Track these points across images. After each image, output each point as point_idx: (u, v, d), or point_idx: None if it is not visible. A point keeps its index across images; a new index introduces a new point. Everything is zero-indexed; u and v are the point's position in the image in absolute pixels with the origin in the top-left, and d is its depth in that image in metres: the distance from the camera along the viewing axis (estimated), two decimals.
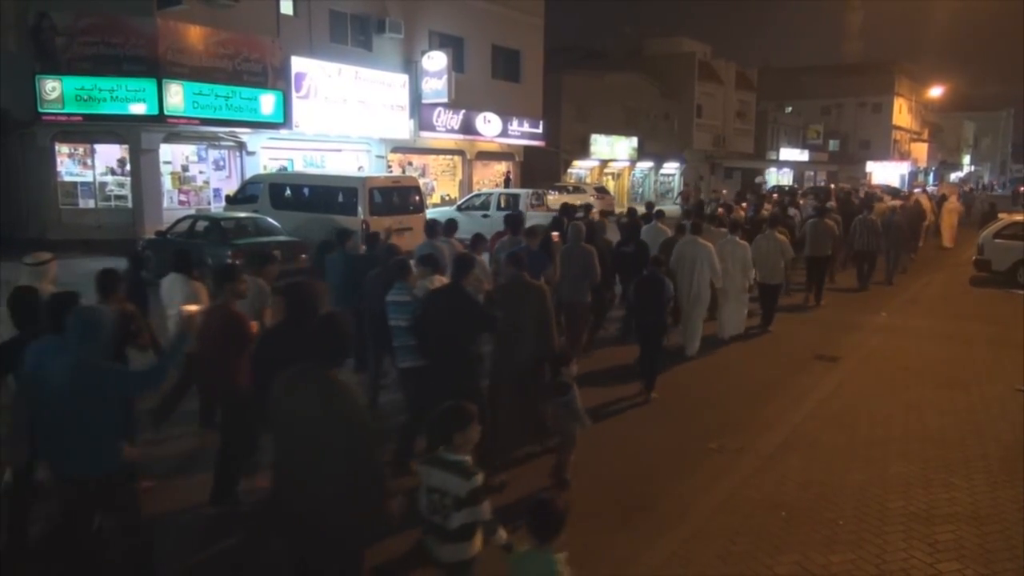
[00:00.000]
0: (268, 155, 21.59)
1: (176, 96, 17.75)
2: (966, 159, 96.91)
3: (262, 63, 19.82)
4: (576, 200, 20.24)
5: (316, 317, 3.81)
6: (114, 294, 5.38)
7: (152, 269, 8.64)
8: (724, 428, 6.97)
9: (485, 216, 20.11)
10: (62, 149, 18.57)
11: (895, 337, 10.88)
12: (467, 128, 26.62)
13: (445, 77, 24.72)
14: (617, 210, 30.39)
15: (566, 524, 3.12)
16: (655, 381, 7.81)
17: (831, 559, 4.65)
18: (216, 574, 4.61)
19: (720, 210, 15.32)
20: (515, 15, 29.25)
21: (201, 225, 13.72)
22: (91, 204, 18.93)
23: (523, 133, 29.76)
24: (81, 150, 18.85)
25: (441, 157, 28.36)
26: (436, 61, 24.85)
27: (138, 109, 17.62)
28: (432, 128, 25.38)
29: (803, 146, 59.79)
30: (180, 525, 4.95)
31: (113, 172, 19.09)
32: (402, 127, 24.40)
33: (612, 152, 38.27)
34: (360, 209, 14.95)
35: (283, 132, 20.89)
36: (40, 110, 17.24)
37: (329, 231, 13.33)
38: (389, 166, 24.66)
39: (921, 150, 77.29)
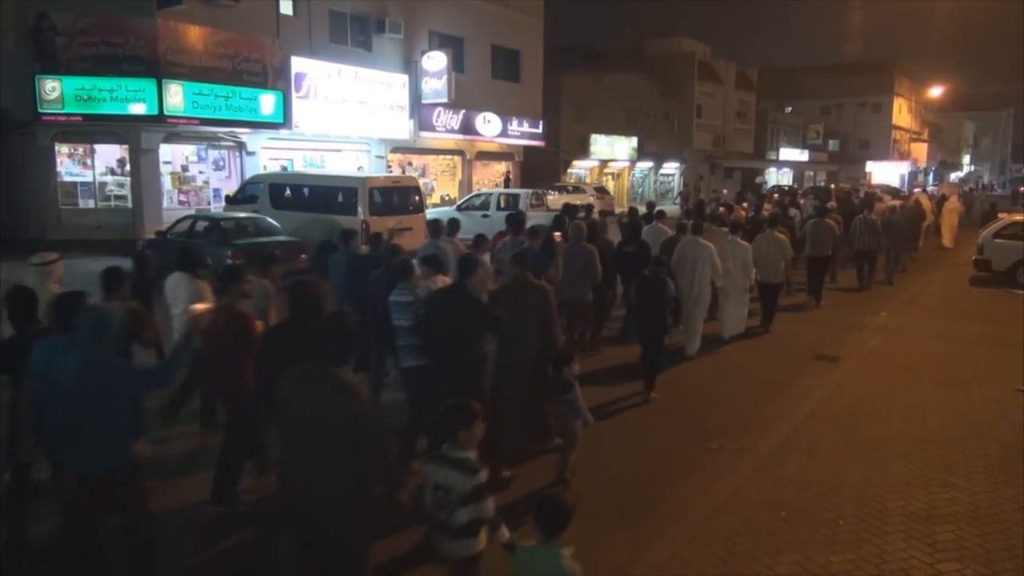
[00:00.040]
0: (268, 155, 21.59)
1: (176, 96, 17.75)
2: (966, 159, 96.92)
3: (262, 63, 19.82)
4: (576, 200, 20.25)
5: (321, 316, 3.83)
6: (118, 292, 5.39)
7: (153, 269, 8.64)
8: (724, 428, 6.97)
9: (485, 216, 20.12)
10: (62, 149, 18.57)
11: (895, 337, 10.88)
12: (467, 128, 26.62)
13: (445, 77, 24.72)
14: (617, 210, 30.42)
15: (574, 519, 3.13)
16: (655, 381, 7.82)
17: (831, 559, 4.65)
18: (216, 573, 4.61)
19: (721, 209, 15.34)
20: (515, 15, 29.24)
21: (201, 225, 13.72)
22: (91, 204, 18.93)
23: (523, 133, 29.76)
24: (81, 150, 18.84)
25: (441, 157, 28.35)
26: (436, 61, 24.85)
27: (138, 109, 17.61)
28: (432, 128, 25.38)
29: (803, 146, 59.81)
30: (180, 524, 4.95)
31: (113, 172, 19.08)
32: (402, 127, 24.40)
33: (612, 152, 38.27)
34: (360, 209, 14.95)
35: (283, 132, 20.88)
36: (40, 110, 17.24)
37: (328, 231, 13.35)
38: (389, 166, 24.66)
39: (921, 150, 77.30)
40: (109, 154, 18.95)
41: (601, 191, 33.79)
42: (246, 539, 4.91)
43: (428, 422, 5.08)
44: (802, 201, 21.44)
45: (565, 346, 6.49)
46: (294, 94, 20.68)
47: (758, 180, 49.55)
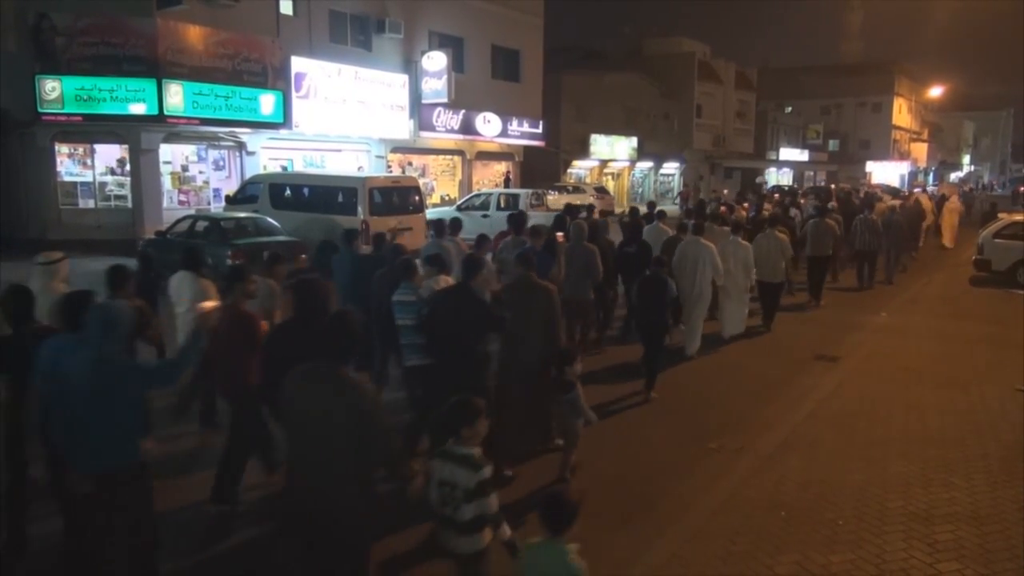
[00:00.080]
0: (268, 155, 21.58)
1: (176, 96, 17.75)
2: (966, 159, 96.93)
3: (262, 63, 19.82)
4: (577, 200, 20.27)
5: (326, 314, 3.83)
6: (124, 290, 5.40)
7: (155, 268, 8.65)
8: (724, 428, 6.98)
9: (485, 216, 20.13)
10: (62, 149, 18.57)
11: (895, 337, 10.88)
12: (467, 128, 26.62)
13: (445, 77, 24.71)
14: (617, 210, 30.43)
15: (579, 516, 3.13)
16: (655, 381, 7.82)
17: (831, 559, 4.65)
18: (216, 573, 4.62)
19: (723, 208, 15.35)
20: (515, 15, 29.24)
21: (201, 225, 13.71)
22: (91, 204, 18.93)
23: (523, 133, 29.75)
24: (81, 150, 18.84)
25: (441, 157, 28.35)
26: (436, 61, 24.85)
27: (138, 109, 17.61)
28: (432, 128, 25.37)
29: (803, 146, 59.81)
30: (180, 523, 4.95)
31: (113, 172, 19.08)
32: (402, 127, 24.40)
33: (612, 152, 38.26)
34: (360, 209, 14.95)
35: (283, 132, 20.88)
36: (40, 110, 17.24)
37: (328, 231, 13.35)
38: (389, 166, 24.66)
39: (921, 150, 77.31)
40: (109, 154, 18.95)
41: (601, 191, 33.79)
42: (246, 538, 4.91)
43: (431, 421, 5.10)
44: (802, 201, 21.46)
45: (568, 346, 6.50)
46: (294, 94, 20.68)
47: (758, 180, 49.55)
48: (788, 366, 9.28)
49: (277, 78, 20.21)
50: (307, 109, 21.05)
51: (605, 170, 39.49)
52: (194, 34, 18.27)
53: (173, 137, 19.20)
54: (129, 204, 18.88)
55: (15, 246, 15.24)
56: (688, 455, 6.35)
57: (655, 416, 7.36)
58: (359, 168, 23.10)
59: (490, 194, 22.08)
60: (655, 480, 5.85)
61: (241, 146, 20.76)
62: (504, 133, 28.41)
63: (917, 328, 11.50)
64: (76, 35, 17.24)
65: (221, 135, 20.18)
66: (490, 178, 30.28)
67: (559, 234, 9.45)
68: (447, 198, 27.36)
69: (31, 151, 18.10)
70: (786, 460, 6.22)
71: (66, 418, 3.65)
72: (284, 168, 21.38)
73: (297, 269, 7.86)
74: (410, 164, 26.54)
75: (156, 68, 17.48)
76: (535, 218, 12.84)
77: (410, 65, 24.86)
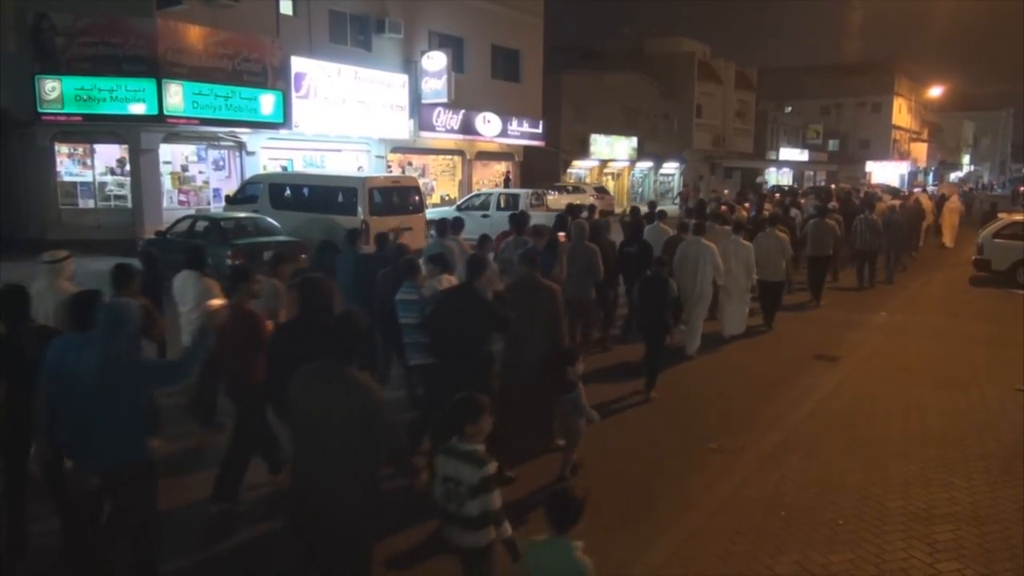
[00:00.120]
0: (268, 155, 21.59)
1: (176, 96, 17.75)
2: (966, 159, 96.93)
3: (262, 63, 19.82)
4: (577, 200, 20.28)
5: (330, 314, 3.84)
6: (129, 288, 5.41)
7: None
8: (724, 427, 6.98)
9: (485, 216, 20.12)
10: (62, 149, 18.58)
11: (895, 336, 10.89)
12: (467, 128, 26.62)
13: (445, 77, 24.72)
14: (617, 210, 30.43)
15: (584, 513, 3.13)
16: (656, 380, 7.82)
17: (831, 559, 4.65)
18: (216, 572, 4.62)
19: (723, 207, 15.36)
20: (515, 15, 29.24)
21: (201, 225, 13.71)
22: (91, 204, 18.94)
23: (523, 133, 29.76)
24: (81, 150, 18.84)
25: (441, 157, 28.35)
26: (436, 61, 24.85)
27: (138, 109, 17.61)
28: (432, 128, 25.38)
29: (803, 146, 59.82)
30: (181, 522, 4.95)
31: (113, 172, 19.09)
32: (402, 127, 24.40)
33: (612, 152, 38.27)
34: (360, 209, 14.95)
35: (283, 132, 20.89)
36: (40, 110, 17.24)
37: (328, 231, 13.36)
38: (389, 166, 24.66)
39: (921, 150, 77.31)
40: (109, 154, 18.95)
41: (601, 191, 33.79)
42: (246, 538, 4.91)
43: (434, 419, 5.10)
44: (803, 201, 21.47)
45: (570, 346, 6.51)
46: (294, 94, 20.69)
47: (759, 180, 49.56)
48: (788, 366, 9.28)
49: (277, 78, 20.21)
50: (307, 109, 21.05)
51: (605, 170, 39.50)
52: (194, 34, 18.27)
53: (173, 137, 19.20)
54: (129, 204, 18.89)
55: (15, 246, 15.25)
56: (688, 455, 6.36)
57: (655, 416, 7.36)
58: (359, 168, 23.10)
59: (490, 194, 22.09)
60: (655, 479, 5.85)
61: (241, 146, 20.76)
62: (504, 133, 28.41)
63: (917, 328, 11.50)
64: (76, 35, 17.25)
65: (221, 135, 20.18)
66: (490, 178, 30.28)
67: (561, 234, 9.46)
68: (447, 198, 27.37)
69: (31, 151, 18.11)
70: (786, 460, 6.22)
71: (73, 417, 3.66)
72: (284, 168, 21.39)
73: (298, 269, 7.89)
74: (410, 164, 26.54)
75: (156, 68, 17.48)
76: (535, 218, 12.85)
77: (410, 65, 24.86)
